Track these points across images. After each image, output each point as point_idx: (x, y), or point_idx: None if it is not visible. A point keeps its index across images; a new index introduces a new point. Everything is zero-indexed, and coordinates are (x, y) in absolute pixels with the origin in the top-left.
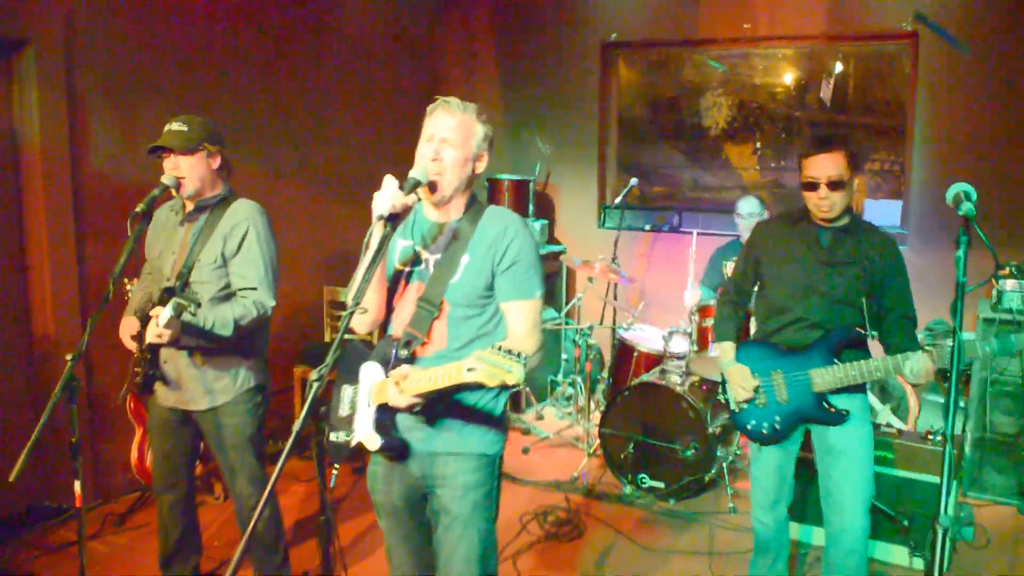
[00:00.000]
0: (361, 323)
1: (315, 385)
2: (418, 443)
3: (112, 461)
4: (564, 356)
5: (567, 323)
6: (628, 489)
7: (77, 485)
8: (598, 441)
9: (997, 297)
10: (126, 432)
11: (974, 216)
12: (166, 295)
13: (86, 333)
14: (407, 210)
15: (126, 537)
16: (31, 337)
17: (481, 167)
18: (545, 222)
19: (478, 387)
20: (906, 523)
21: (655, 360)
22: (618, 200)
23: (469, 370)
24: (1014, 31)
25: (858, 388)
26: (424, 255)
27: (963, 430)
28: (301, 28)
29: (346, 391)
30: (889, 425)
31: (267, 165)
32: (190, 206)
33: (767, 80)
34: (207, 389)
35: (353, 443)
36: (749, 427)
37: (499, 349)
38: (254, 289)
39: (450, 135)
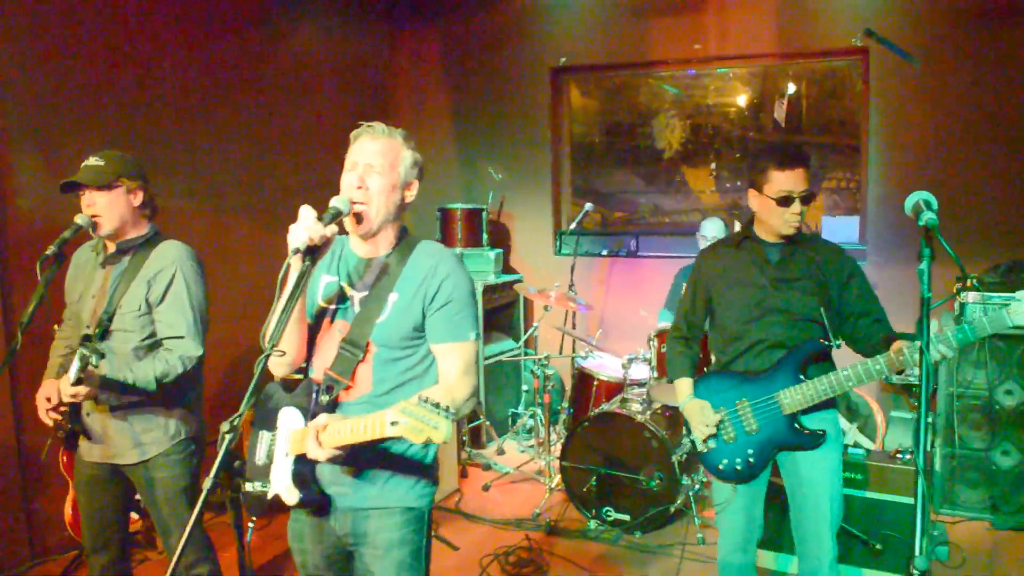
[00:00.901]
0: (279, 365)
1: (227, 437)
2: (339, 498)
3: (47, 519)
4: (524, 387)
5: (527, 353)
6: (592, 524)
7: None
8: (560, 475)
9: (960, 310)
10: (61, 488)
11: (936, 225)
12: (85, 343)
13: None
14: (327, 243)
15: None
16: None
17: (411, 196)
18: (500, 251)
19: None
20: (879, 547)
21: (616, 388)
22: (572, 226)
23: (392, 423)
24: (963, 41)
25: (828, 405)
26: (350, 292)
27: (931, 446)
28: (243, 58)
29: (263, 438)
30: (857, 445)
31: (208, 202)
32: (112, 247)
33: (720, 101)
34: (136, 442)
35: (270, 495)
36: (721, 467)
37: (425, 401)
38: (181, 338)
39: (375, 160)
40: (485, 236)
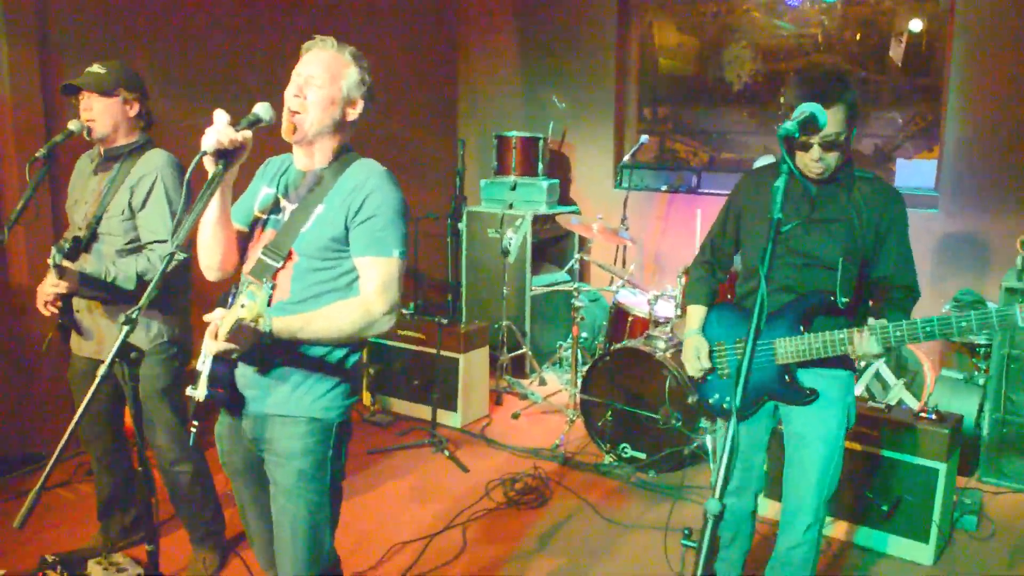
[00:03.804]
0: (208, 270)
1: (124, 328)
2: (252, 402)
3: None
4: None
5: (581, 285)
6: (607, 459)
7: None
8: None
9: (1023, 265)
10: None
11: (787, 135)
12: (74, 244)
13: None
14: (239, 148)
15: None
16: (8, 287)
17: (354, 114)
18: (555, 181)
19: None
20: (885, 508)
21: (648, 325)
22: (626, 158)
23: (242, 306)
24: None
25: (837, 364)
26: (283, 203)
27: (981, 410)
28: None
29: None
30: (901, 402)
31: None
32: (102, 154)
33: (796, 33)
34: None
35: (195, 397)
36: (711, 401)
37: (272, 287)
38: (163, 242)
39: (317, 72)
40: (540, 166)
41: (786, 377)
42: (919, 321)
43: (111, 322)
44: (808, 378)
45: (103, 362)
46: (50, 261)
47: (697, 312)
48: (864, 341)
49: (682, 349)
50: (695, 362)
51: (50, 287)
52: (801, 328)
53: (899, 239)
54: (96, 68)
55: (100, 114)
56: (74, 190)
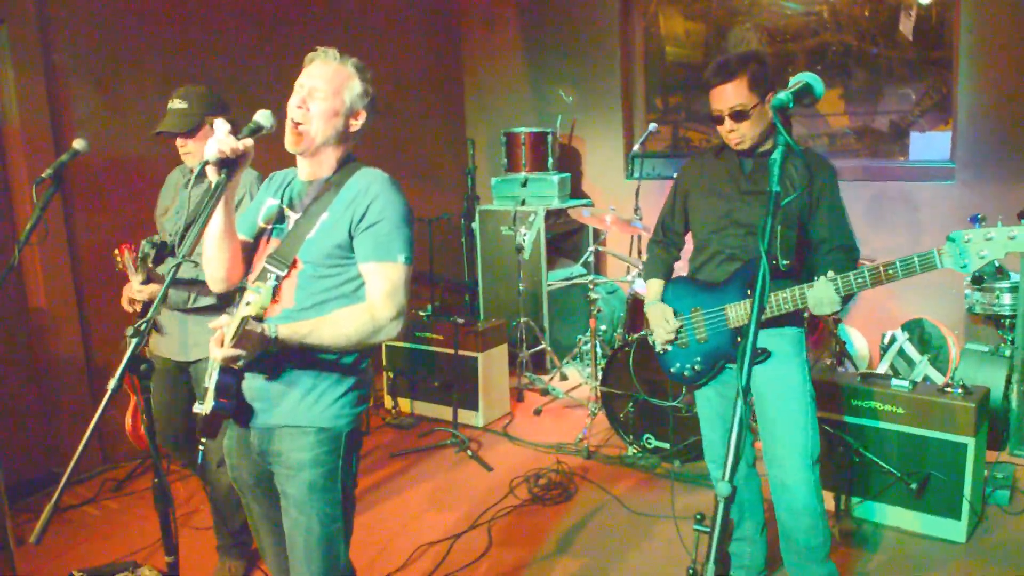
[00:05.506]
0: (214, 282)
1: (132, 341)
2: (259, 414)
3: (117, 429)
4: None
5: (597, 278)
6: (631, 450)
7: None
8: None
9: None
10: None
11: (781, 106)
12: (160, 249)
13: None
14: (241, 156)
15: (120, 502)
16: (27, 310)
17: (357, 125)
18: (566, 176)
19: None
20: (914, 486)
21: None
22: (636, 147)
23: (247, 303)
24: None
25: (784, 323)
26: (288, 213)
27: (1009, 381)
28: None
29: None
30: (927, 379)
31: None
32: (196, 168)
33: (802, 10)
34: (195, 341)
35: (202, 411)
36: (673, 370)
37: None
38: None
39: (320, 84)
40: (551, 160)
41: (738, 338)
42: (864, 268)
43: (179, 324)
44: (759, 339)
45: (178, 363)
46: (139, 254)
47: (656, 285)
48: (819, 290)
49: (647, 318)
50: (664, 325)
51: (135, 291)
52: (748, 292)
53: (831, 203)
54: (177, 104)
55: (196, 149)
56: (164, 200)
